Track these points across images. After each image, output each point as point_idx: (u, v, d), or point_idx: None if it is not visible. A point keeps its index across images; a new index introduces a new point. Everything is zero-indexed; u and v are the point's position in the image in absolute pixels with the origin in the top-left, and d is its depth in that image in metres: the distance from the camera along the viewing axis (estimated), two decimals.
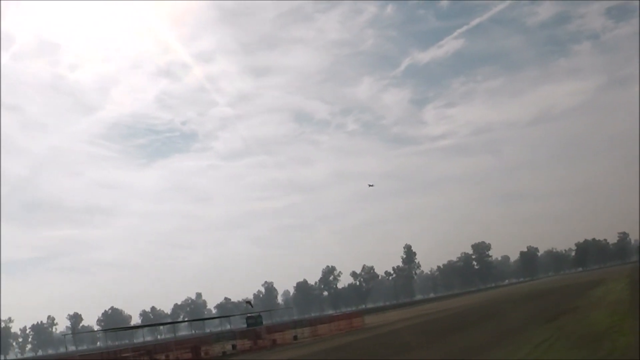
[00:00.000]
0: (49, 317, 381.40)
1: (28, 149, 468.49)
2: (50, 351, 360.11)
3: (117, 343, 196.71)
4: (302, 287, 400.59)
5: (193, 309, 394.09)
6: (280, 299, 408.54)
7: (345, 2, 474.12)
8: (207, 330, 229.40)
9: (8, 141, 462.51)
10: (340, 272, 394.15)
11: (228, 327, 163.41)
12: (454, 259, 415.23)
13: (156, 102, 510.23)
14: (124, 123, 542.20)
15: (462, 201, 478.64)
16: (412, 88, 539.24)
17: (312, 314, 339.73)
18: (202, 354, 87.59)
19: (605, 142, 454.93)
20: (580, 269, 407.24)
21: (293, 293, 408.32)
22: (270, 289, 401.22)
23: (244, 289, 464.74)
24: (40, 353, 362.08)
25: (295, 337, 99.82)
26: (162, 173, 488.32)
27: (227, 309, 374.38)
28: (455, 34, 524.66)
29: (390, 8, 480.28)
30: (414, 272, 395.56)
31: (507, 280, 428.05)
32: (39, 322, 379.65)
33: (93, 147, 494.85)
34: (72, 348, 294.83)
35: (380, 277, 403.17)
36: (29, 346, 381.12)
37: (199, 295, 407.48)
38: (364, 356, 50.18)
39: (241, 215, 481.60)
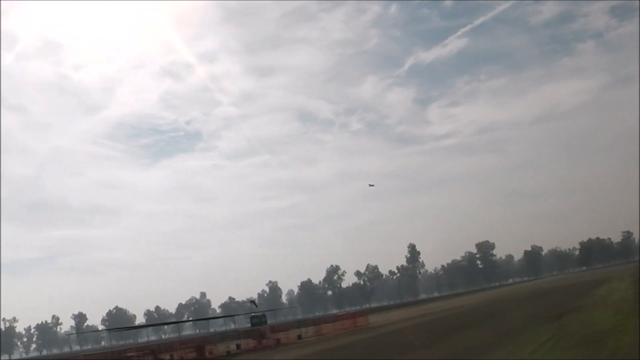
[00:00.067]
0: (53, 316, 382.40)
1: (32, 149, 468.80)
2: (55, 351, 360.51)
3: (121, 343, 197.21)
4: (306, 286, 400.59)
5: (197, 309, 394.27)
6: (284, 299, 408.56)
7: (349, 1, 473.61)
8: (212, 330, 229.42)
9: (12, 141, 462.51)
10: (344, 271, 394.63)
11: (232, 326, 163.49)
12: (458, 258, 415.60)
13: (160, 102, 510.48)
14: (128, 123, 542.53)
15: (466, 200, 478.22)
16: (416, 87, 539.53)
17: (316, 314, 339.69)
18: (207, 353, 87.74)
19: (610, 141, 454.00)
20: (584, 268, 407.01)
21: (297, 292, 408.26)
22: (274, 288, 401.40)
23: (248, 289, 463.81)
24: (44, 353, 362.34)
25: (299, 337, 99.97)
26: (167, 173, 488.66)
27: (231, 308, 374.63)
28: (459, 33, 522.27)
29: (394, 7, 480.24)
30: (418, 271, 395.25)
31: (511, 280, 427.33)
32: (44, 322, 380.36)
33: (97, 147, 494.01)
34: (76, 348, 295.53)
35: (384, 277, 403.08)
36: (33, 346, 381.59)
37: (203, 294, 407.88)
38: (368, 356, 50.24)
39: (245, 215, 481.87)
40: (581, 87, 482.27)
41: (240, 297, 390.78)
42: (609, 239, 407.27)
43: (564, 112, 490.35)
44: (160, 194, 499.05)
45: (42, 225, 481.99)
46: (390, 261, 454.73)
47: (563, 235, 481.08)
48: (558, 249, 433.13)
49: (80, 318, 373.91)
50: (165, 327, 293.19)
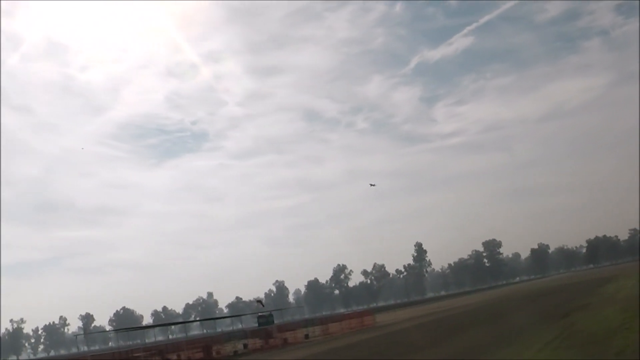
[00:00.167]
0: (60, 317, 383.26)
1: (39, 150, 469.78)
2: (63, 351, 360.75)
3: (129, 343, 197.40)
4: (313, 285, 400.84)
5: (204, 309, 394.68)
6: (291, 298, 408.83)
7: (354, 0, 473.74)
8: (219, 330, 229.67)
9: (18, 142, 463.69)
10: (351, 270, 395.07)
11: (239, 326, 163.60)
12: (465, 256, 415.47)
13: (166, 102, 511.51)
14: (134, 123, 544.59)
15: (473, 199, 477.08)
16: (422, 86, 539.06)
17: (324, 313, 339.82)
18: (214, 353, 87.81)
19: (616, 138, 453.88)
20: (591, 265, 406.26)
21: (304, 292, 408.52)
22: (281, 287, 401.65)
23: (255, 288, 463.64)
24: (52, 353, 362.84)
25: (306, 336, 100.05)
26: (173, 173, 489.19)
27: (238, 308, 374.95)
28: (465, 31, 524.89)
29: (399, 6, 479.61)
30: (424, 270, 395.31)
31: (518, 278, 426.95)
32: (51, 323, 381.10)
33: (104, 147, 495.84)
34: (84, 348, 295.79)
35: (391, 276, 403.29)
36: (41, 347, 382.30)
37: (210, 294, 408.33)
38: (376, 355, 50.23)
39: (252, 215, 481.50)
40: (588, 84, 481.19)
41: (247, 296, 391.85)
42: (616, 236, 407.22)
43: (571, 110, 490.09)
44: (167, 194, 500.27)
45: (49, 226, 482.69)
46: (397, 260, 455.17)
47: (570, 233, 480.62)
48: (565, 247, 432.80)
49: (87, 319, 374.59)
50: (173, 327, 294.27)
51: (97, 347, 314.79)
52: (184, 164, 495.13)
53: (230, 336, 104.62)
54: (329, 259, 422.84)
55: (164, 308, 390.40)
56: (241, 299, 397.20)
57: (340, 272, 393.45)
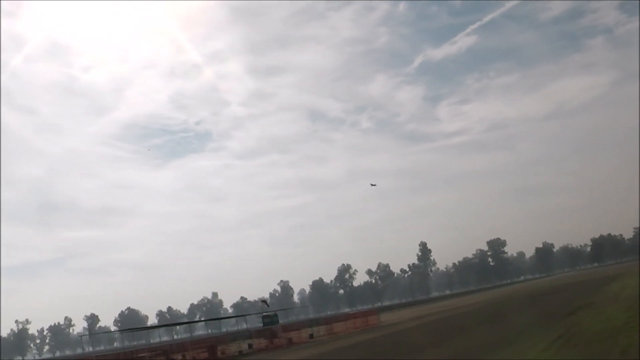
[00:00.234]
0: (66, 318, 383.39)
1: (43, 151, 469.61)
2: (68, 352, 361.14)
3: (134, 343, 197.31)
4: (317, 285, 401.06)
5: (209, 309, 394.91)
6: (296, 298, 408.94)
7: (357, 0, 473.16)
8: (224, 330, 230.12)
9: (23, 143, 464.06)
10: (355, 270, 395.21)
11: (244, 326, 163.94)
12: (470, 255, 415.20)
13: (170, 103, 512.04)
14: (138, 124, 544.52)
15: (477, 198, 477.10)
16: (425, 85, 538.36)
17: (328, 313, 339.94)
18: (219, 353, 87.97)
19: (621, 136, 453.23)
20: (595, 264, 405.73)
21: (309, 291, 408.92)
22: (286, 287, 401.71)
23: (259, 288, 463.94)
24: (57, 354, 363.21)
25: (311, 336, 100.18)
26: (177, 173, 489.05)
27: (243, 308, 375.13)
28: (468, 30, 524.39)
29: (402, 5, 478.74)
30: (429, 269, 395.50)
31: (522, 277, 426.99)
32: (56, 324, 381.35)
33: (108, 148, 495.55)
34: (89, 349, 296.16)
35: (395, 275, 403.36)
36: (46, 347, 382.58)
37: (215, 294, 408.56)
38: (380, 355, 50.29)
39: (256, 215, 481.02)
40: (591, 83, 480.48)
41: (252, 296, 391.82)
42: (621, 235, 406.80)
43: (575, 108, 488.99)
44: (171, 194, 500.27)
45: (53, 227, 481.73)
46: (402, 259, 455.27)
47: (574, 231, 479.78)
48: (569, 246, 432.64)
49: (92, 319, 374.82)
50: (178, 327, 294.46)
51: (102, 348, 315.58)
52: (188, 164, 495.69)
53: (235, 336, 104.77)
54: (334, 259, 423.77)
55: (169, 308, 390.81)
56: (246, 299, 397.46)
57: (344, 272, 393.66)
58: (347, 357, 53.80)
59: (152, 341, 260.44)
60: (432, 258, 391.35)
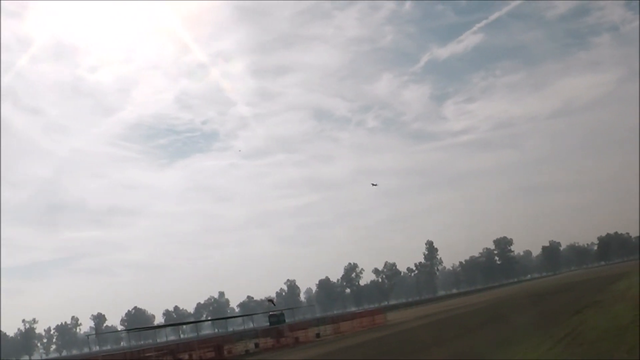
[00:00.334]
0: (72, 317, 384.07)
1: (50, 152, 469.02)
2: (75, 351, 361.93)
3: (140, 343, 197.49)
4: (324, 284, 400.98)
5: (216, 308, 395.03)
6: (302, 297, 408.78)
7: None
8: (230, 329, 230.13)
9: (29, 144, 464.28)
10: (362, 269, 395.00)
11: (251, 325, 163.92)
12: (476, 254, 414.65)
13: (176, 102, 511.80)
14: (144, 124, 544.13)
15: (484, 196, 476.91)
16: (431, 84, 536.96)
17: (335, 312, 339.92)
18: (225, 352, 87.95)
19: (627, 134, 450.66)
20: (602, 263, 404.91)
21: (315, 291, 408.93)
22: (292, 286, 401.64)
23: (266, 287, 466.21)
24: (64, 353, 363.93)
25: (317, 335, 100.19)
26: (184, 173, 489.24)
27: (249, 307, 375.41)
28: (475, 28, 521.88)
29: (408, 4, 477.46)
30: (436, 268, 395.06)
31: (529, 275, 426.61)
32: (63, 323, 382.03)
33: (114, 148, 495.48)
34: (96, 348, 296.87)
35: (402, 274, 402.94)
36: (53, 347, 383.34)
37: (221, 294, 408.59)
38: (386, 354, 50.25)
39: (263, 214, 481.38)
40: (597, 80, 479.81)
41: (258, 296, 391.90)
42: (628, 233, 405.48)
43: (581, 106, 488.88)
44: (178, 194, 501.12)
45: (60, 227, 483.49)
46: (408, 258, 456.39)
47: (581, 230, 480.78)
48: (576, 244, 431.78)
49: (99, 319, 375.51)
50: (184, 326, 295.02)
51: (109, 347, 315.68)
52: (195, 164, 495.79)
53: (241, 335, 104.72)
54: (340, 258, 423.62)
55: (176, 308, 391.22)
56: (252, 298, 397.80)
57: (351, 271, 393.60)
58: (353, 356, 53.78)
59: (158, 341, 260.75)
60: (438, 257, 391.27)
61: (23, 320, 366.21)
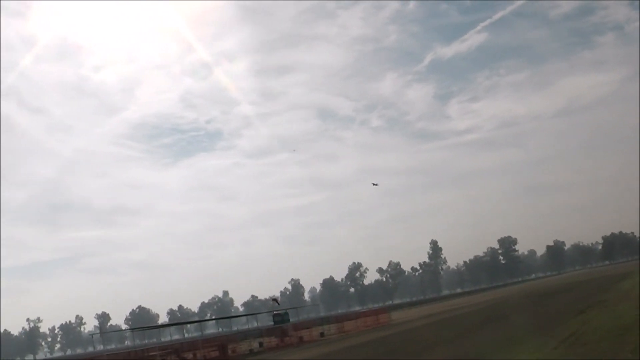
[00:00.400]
0: (77, 316, 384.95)
1: (54, 151, 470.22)
2: (79, 350, 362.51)
3: (145, 342, 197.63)
4: (328, 283, 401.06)
5: (220, 307, 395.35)
6: (306, 296, 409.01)
7: None
8: (234, 328, 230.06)
9: (34, 143, 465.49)
10: (366, 268, 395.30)
11: (255, 324, 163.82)
12: (481, 253, 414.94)
13: (180, 102, 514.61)
14: (148, 123, 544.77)
15: (488, 195, 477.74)
16: (435, 83, 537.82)
17: (339, 311, 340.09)
18: (229, 352, 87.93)
19: (631, 133, 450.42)
20: (607, 262, 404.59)
21: (320, 290, 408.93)
22: (296, 286, 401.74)
23: (270, 287, 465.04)
24: (69, 352, 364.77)
25: (322, 334, 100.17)
26: (188, 172, 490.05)
27: (254, 306, 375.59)
28: (479, 27, 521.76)
29: (412, 3, 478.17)
30: (440, 267, 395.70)
31: (533, 275, 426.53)
32: (68, 322, 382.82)
33: (118, 147, 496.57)
34: (100, 347, 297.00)
35: (406, 273, 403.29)
36: (57, 346, 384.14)
37: (225, 293, 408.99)
38: (390, 353, 50.23)
39: (267, 213, 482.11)
40: (602, 79, 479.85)
41: (262, 295, 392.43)
42: (632, 233, 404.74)
43: (585, 105, 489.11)
44: (182, 193, 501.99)
45: (64, 227, 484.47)
46: (413, 257, 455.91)
47: (585, 229, 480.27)
48: (581, 244, 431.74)
49: (103, 318, 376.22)
50: (188, 326, 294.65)
51: (113, 346, 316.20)
52: (199, 163, 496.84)
53: (245, 335, 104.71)
54: (344, 257, 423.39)
55: (180, 307, 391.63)
56: (257, 297, 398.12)
57: (355, 270, 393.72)
58: (357, 356, 53.77)
59: (163, 340, 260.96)
60: (443, 256, 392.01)
61: (27, 320, 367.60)
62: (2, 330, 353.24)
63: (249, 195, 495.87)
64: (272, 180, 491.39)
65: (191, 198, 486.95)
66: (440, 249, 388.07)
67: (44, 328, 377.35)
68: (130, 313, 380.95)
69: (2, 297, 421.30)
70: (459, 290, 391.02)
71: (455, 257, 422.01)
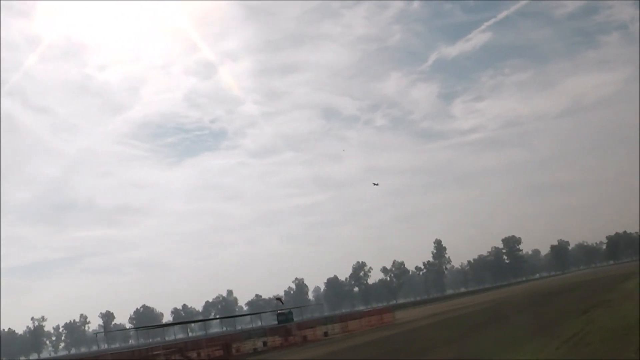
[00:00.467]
0: (81, 315, 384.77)
1: (59, 151, 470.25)
2: (83, 349, 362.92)
3: (149, 341, 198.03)
4: (332, 283, 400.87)
5: (224, 306, 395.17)
6: (311, 295, 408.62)
7: None
8: (238, 328, 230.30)
9: (38, 143, 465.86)
10: (370, 267, 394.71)
11: (259, 324, 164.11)
12: (485, 253, 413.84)
13: (185, 101, 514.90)
14: (153, 122, 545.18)
15: (492, 195, 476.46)
16: (440, 82, 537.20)
17: (343, 310, 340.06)
18: (233, 351, 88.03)
19: (636, 133, 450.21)
20: (611, 262, 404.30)
21: (324, 289, 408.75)
22: (300, 285, 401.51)
23: (274, 286, 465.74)
24: (73, 351, 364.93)
25: (325, 333, 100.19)
26: (192, 171, 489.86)
27: (258, 305, 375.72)
28: (483, 27, 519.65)
29: (416, 3, 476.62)
30: (444, 267, 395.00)
31: (537, 274, 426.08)
32: (72, 321, 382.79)
33: (123, 147, 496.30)
34: (104, 346, 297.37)
35: (410, 273, 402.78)
36: (62, 345, 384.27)
37: (229, 292, 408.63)
38: (394, 352, 50.26)
39: (271, 213, 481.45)
40: (606, 79, 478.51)
41: (266, 294, 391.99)
42: (637, 232, 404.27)
43: (590, 105, 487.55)
44: (186, 192, 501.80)
45: (69, 226, 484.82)
46: (417, 257, 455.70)
47: (590, 229, 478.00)
48: (585, 243, 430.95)
49: (107, 317, 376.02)
50: (192, 325, 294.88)
51: (117, 345, 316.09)
52: (203, 163, 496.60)
53: (249, 334, 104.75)
54: (348, 257, 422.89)
55: (184, 306, 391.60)
56: (261, 296, 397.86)
57: (359, 270, 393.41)
58: (361, 355, 53.78)
59: (167, 339, 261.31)
60: (447, 255, 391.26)
61: (32, 318, 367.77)
62: (3, 329, 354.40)
63: (253, 194, 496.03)
64: (276, 179, 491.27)
65: (195, 197, 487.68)
66: (445, 249, 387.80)
67: (48, 327, 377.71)
68: (135, 312, 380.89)
69: (7, 297, 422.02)
70: (462, 289, 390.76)
71: (459, 256, 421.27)
